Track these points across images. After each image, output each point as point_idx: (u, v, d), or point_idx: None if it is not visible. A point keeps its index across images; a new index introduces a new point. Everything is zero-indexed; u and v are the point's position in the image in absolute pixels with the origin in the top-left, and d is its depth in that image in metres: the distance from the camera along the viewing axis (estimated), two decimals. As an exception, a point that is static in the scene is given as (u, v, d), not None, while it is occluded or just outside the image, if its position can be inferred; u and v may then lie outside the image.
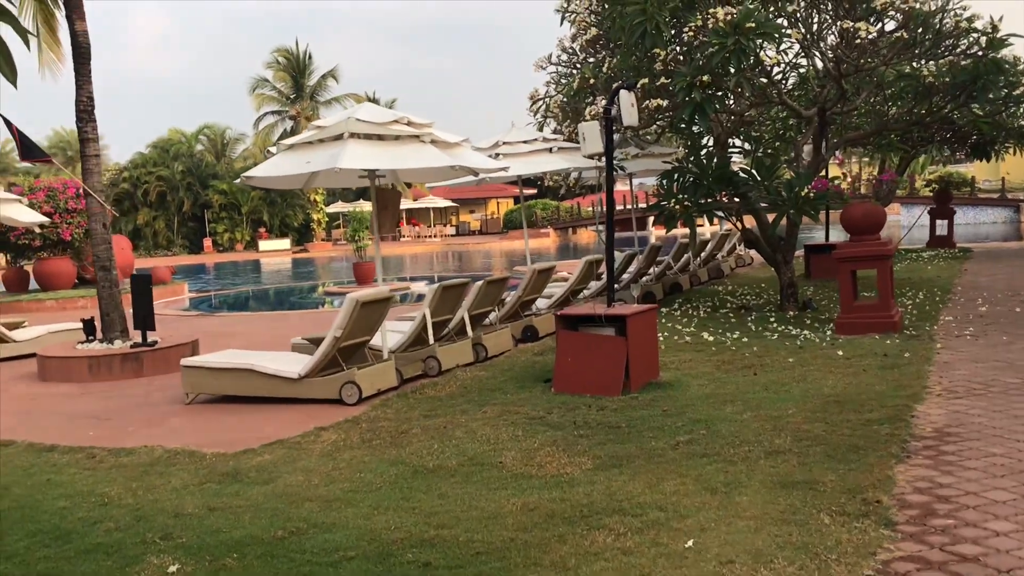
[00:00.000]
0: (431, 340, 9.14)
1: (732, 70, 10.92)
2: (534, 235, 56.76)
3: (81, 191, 10.86)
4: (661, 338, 10.71)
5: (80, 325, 11.75)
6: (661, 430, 6.49)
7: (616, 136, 14.62)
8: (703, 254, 18.06)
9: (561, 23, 13.43)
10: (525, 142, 11.95)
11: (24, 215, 13.61)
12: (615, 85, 8.30)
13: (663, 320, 12.27)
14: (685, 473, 5.43)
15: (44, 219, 13.86)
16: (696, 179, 12.14)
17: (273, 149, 8.27)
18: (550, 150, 11.88)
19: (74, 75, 11.05)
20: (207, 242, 60.16)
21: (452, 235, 64.84)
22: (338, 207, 62.84)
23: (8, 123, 10.58)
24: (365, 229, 24.94)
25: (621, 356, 7.68)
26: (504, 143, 11.90)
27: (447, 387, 8.41)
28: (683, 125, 12.52)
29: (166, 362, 10.70)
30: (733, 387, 7.83)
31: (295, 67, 61.04)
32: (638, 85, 11.14)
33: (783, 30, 11.20)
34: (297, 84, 60.76)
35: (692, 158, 12.66)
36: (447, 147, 8.48)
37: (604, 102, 8.14)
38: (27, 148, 10.70)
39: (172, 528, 5.00)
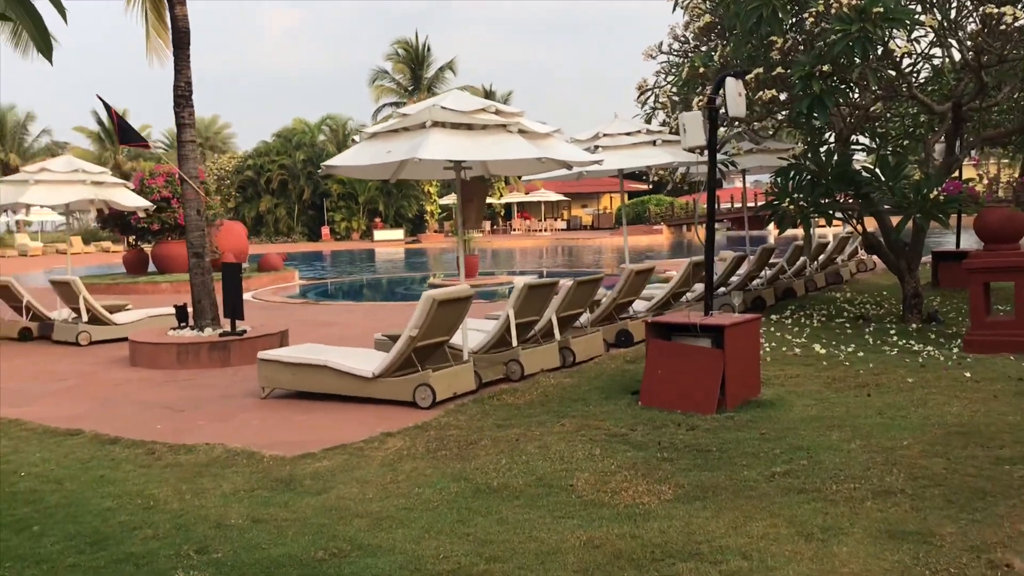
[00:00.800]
0: (514, 342, 8.64)
1: (856, 60, 10.01)
2: (647, 232, 55.67)
3: (177, 177, 10.77)
4: (767, 348, 9.93)
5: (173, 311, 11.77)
6: (756, 457, 5.81)
7: (723, 129, 13.82)
8: (820, 258, 16.97)
9: (673, 10, 12.69)
10: (627, 134, 11.29)
11: (128, 199, 13.78)
12: (722, 73, 7.60)
13: (771, 328, 11.44)
14: (777, 512, 4.76)
15: (148, 204, 14.02)
16: (814, 177, 11.26)
17: (357, 137, 7.92)
18: (654, 143, 11.18)
19: (173, 60, 11.02)
20: (325, 230, 61.43)
21: (563, 229, 64.29)
22: (451, 199, 63.20)
23: (108, 107, 10.61)
24: (471, 222, 24.62)
25: (717, 370, 7.01)
26: (604, 135, 11.28)
27: (527, 394, 7.90)
28: (801, 119, 11.65)
29: (253, 351, 10.52)
30: (843, 409, 7.05)
31: (413, 59, 61.59)
32: (751, 74, 10.35)
33: (915, 16, 10.20)
34: (415, 76, 61.28)
35: (810, 154, 11.76)
36: (536, 138, 7.95)
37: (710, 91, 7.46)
38: (124, 132, 10.72)
39: (211, 540, 4.65)
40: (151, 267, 26.02)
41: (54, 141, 72.23)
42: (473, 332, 9.24)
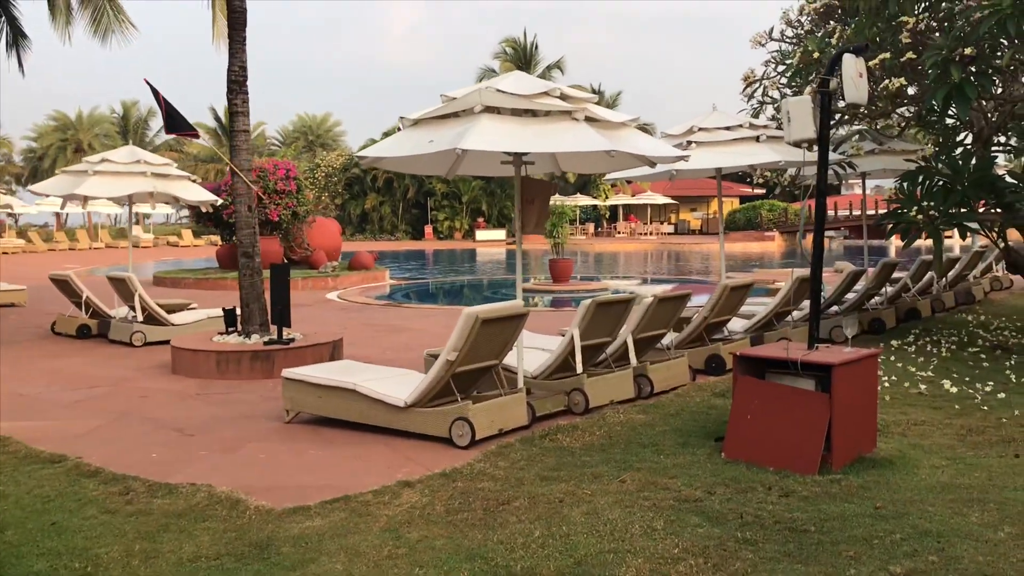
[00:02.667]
0: (579, 368, 7.35)
1: (1005, 42, 8.35)
2: (758, 238, 53.21)
3: (229, 171, 9.90)
4: (886, 383, 8.38)
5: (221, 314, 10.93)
6: (868, 544, 4.40)
7: (842, 129, 12.14)
8: (951, 274, 15.03)
9: (788, -10, 11.16)
10: (727, 128, 9.82)
11: (193, 193, 13.09)
12: (838, 50, 6.13)
13: (891, 357, 9.81)
14: (896, 649, 3.37)
15: (213, 197, 13.30)
16: (947, 183, 9.60)
17: (401, 124, 6.79)
18: (757, 139, 9.68)
19: (228, 42, 10.16)
20: (428, 229, 61.08)
21: (669, 233, 62.24)
22: (555, 200, 62.01)
23: (155, 91, 9.81)
24: (565, 224, 23.37)
25: (821, 420, 5.58)
26: (700, 129, 9.85)
27: (587, 433, 6.60)
28: (933, 115, 9.98)
29: (300, 361, 9.57)
30: (983, 475, 5.52)
31: (521, 58, 60.70)
32: (876, 60, 8.78)
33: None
34: (522, 74, 60.26)
35: (944, 156, 10.06)
36: (607, 128, 6.64)
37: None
38: (172, 119, 9.90)
39: (134, 633, 3.57)
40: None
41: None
42: (534, 352, 8.01)
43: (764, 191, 59.49)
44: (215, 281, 22.88)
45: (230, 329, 10.45)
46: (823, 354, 5.83)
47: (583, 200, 62.21)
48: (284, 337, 9.81)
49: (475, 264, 38.52)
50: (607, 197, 62.84)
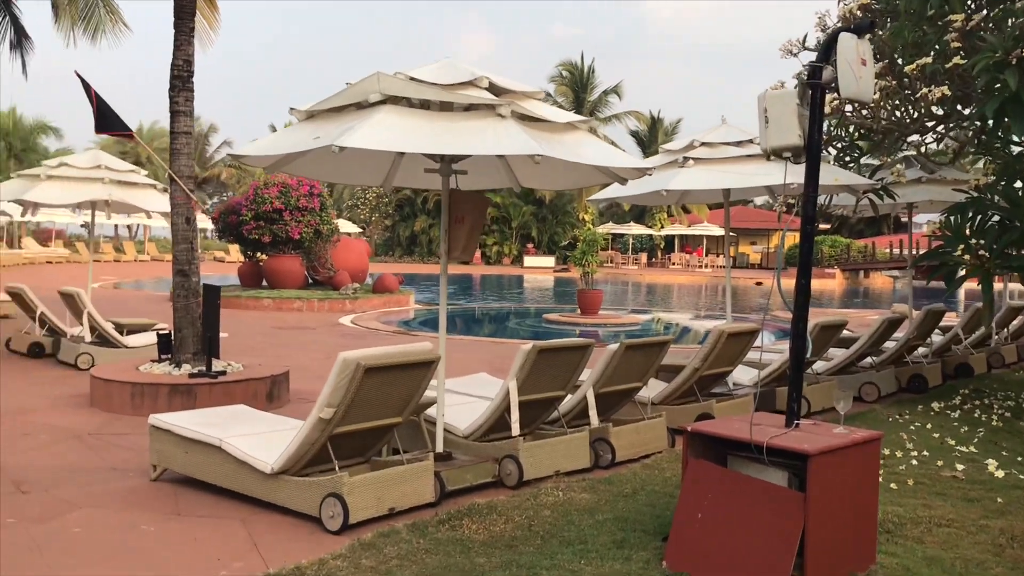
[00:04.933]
0: (515, 429, 5.89)
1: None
2: (817, 275, 50.84)
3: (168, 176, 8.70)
4: (913, 460, 6.78)
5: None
6: None
7: (886, 165, 10.43)
8: (1012, 324, 13.17)
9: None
10: (736, 144, 8.29)
11: (152, 202, 11.96)
12: (832, 31, 4.64)
13: (927, 426, 8.13)
14: None
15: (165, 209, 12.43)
16: (1004, 217, 7.97)
17: (294, 118, 5.46)
18: (769, 157, 8.14)
19: (173, 32, 9.01)
20: (476, 254, 60.02)
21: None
22: (608, 228, 60.37)
23: (87, 87, 8.70)
24: (595, 253, 21.87)
25: (792, 527, 4.05)
26: (701, 144, 8.33)
27: (503, 520, 5.12)
28: (996, 138, 8.35)
29: (228, 398, 8.29)
30: (1020, 620, 3.94)
31: (577, 82, 59.50)
32: (913, 65, 7.22)
33: None
34: (578, 99, 59.02)
35: (1000, 185, 8.41)
36: (544, 128, 5.23)
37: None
38: (104, 118, 8.76)
39: None
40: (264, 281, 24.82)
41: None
42: (475, 403, 6.59)
43: (828, 226, 57.23)
44: (229, 300, 21.81)
45: (162, 357, 9.23)
46: (800, 436, 4.30)
47: (636, 229, 60.49)
48: (212, 370, 8.54)
49: (517, 291, 37.17)
50: (662, 227, 61.06)
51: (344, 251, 25.80)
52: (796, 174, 7.68)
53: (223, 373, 8.58)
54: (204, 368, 8.58)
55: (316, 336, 15.55)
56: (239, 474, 5.35)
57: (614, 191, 7.91)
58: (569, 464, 6.14)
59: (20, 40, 17.13)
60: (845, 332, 10.03)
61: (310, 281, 25.04)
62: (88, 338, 11.10)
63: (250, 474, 5.27)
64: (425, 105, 5.13)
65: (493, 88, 5.31)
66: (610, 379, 6.52)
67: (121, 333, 11.50)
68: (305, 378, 10.38)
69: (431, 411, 6.06)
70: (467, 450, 6.05)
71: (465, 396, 6.90)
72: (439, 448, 5.81)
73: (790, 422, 4.52)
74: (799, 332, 4.53)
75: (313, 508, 4.99)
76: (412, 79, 5.17)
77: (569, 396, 6.45)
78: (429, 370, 5.26)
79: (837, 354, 10.01)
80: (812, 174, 4.54)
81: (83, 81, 8.77)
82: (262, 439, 5.54)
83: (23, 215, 17.34)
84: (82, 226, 56.27)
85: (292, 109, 5.42)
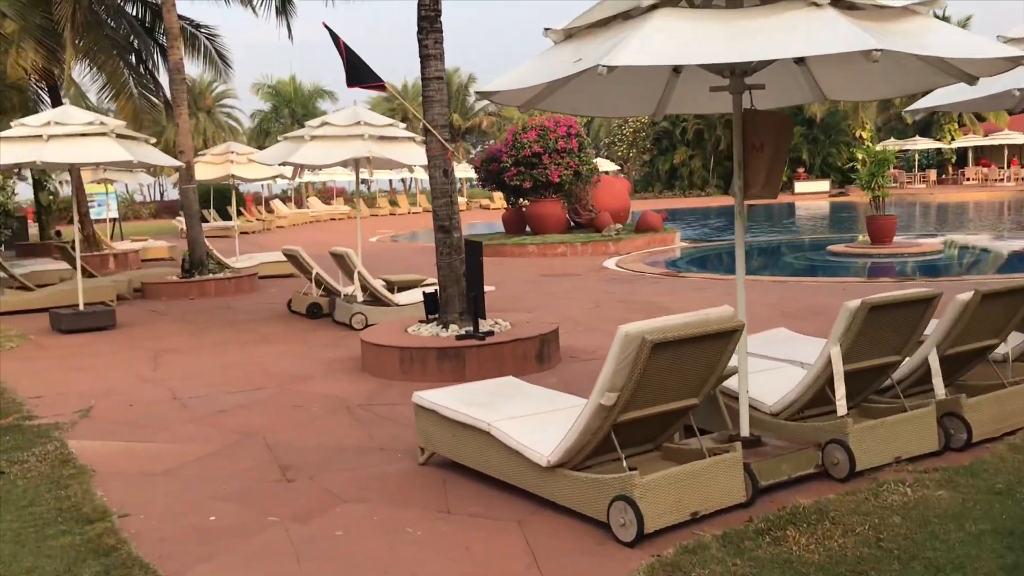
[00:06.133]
0: (840, 408, 4.71)
1: None
2: None
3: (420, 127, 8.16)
4: None
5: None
6: None
7: None
8: None
9: None
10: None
11: (412, 156, 11.61)
12: None
13: None
14: None
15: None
16: None
17: (551, 38, 4.50)
18: None
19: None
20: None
21: (1032, 178, 53.10)
22: (890, 144, 55.14)
23: (336, 39, 8.31)
24: (885, 174, 19.48)
25: None
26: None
27: (840, 531, 3.98)
28: None
29: (497, 361, 7.72)
30: None
31: None
32: None
33: None
34: None
35: None
36: (871, 18, 3.91)
37: None
38: (355, 70, 8.34)
39: None
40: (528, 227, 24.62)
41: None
42: (771, 371, 5.46)
43: None
44: (495, 248, 21.68)
45: (430, 317, 8.80)
46: None
47: (923, 143, 54.70)
48: (479, 330, 7.97)
49: (792, 220, 34.67)
50: (952, 139, 54.85)
51: (604, 191, 24.96)
52: None
53: (490, 334, 7.99)
54: (471, 329, 8.04)
55: (582, 282, 14.88)
56: (511, 464, 4.61)
57: (942, 96, 6.33)
58: (912, 448, 4.86)
59: (284, 5, 17.53)
60: None
61: (572, 224, 24.53)
62: (360, 297, 11.03)
63: (523, 465, 4.52)
64: (708, 3, 4.00)
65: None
66: (959, 337, 5.13)
67: (392, 291, 11.35)
68: (575, 332, 9.66)
69: (730, 382, 5.02)
70: (777, 431, 4.96)
71: (766, 360, 5.77)
72: (744, 432, 4.75)
73: None
74: None
75: (598, 511, 4.14)
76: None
77: (906, 360, 5.14)
78: (731, 340, 4.20)
79: None
80: None
81: (332, 33, 8.39)
82: (535, 422, 4.76)
83: (292, 177, 17.75)
84: (362, 182, 59.62)
85: (547, 30, 4.48)
